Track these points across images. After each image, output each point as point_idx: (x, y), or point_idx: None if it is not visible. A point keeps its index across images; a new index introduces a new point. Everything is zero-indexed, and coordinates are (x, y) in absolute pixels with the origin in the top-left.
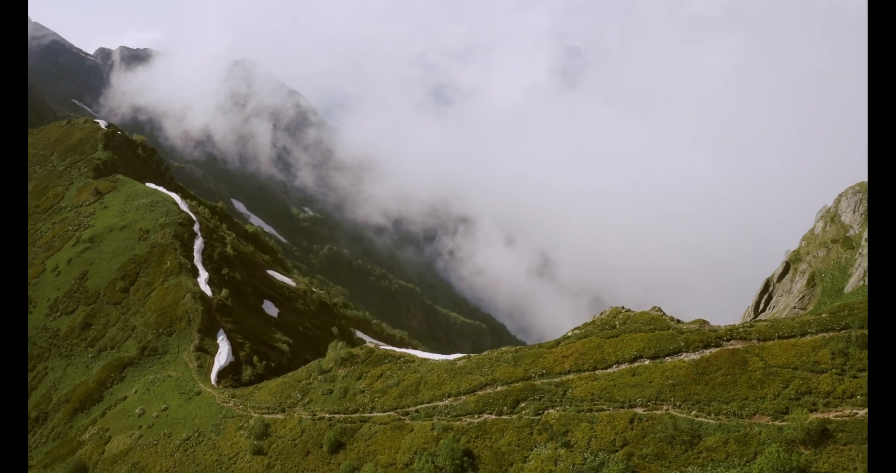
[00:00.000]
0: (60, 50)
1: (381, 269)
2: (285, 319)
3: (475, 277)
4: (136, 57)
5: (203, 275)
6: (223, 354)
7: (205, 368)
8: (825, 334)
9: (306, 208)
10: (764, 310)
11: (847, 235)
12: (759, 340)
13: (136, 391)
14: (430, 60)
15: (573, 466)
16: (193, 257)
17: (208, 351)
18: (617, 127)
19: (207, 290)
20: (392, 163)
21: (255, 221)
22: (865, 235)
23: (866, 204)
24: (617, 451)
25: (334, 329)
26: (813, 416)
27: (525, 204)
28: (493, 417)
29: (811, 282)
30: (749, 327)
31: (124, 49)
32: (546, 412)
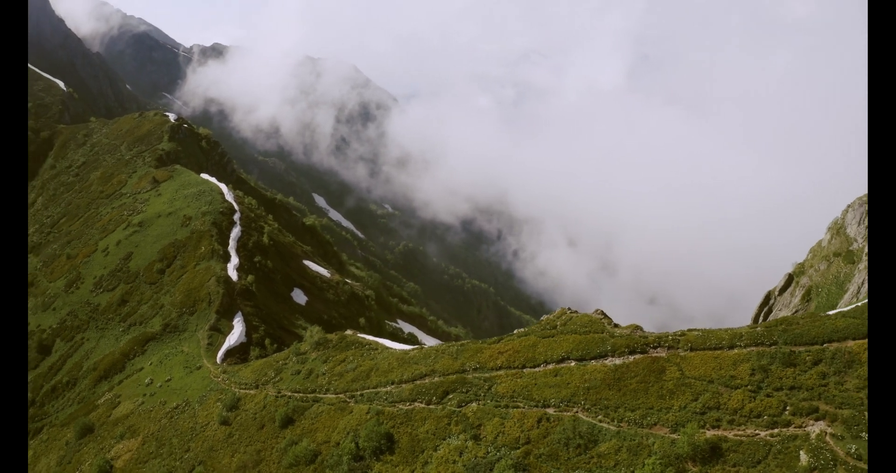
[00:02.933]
0: (155, 45)
1: (454, 268)
2: (312, 307)
3: (538, 278)
4: (214, 50)
5: (234, 261)
6: (235, 334)
7: (214, 346)
8: (754, 348)
9: (386, 205)
10: None
11: (850, 248)
12: (685, 349)
13: (151, 364)
14: (500, 60)
15: (475, 458)
16: (228, 243)
17: (222, 331)
18: (681, 130)
19: (234, 275)
20: (456, 161)
21: (334, 216)
22: (866, 249)
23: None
24: (518, 448)
25: (362, 320)
26: (711, 433)
27: (586, 206)
28: (422, 405)
29: (806, 296)
30: (680, 335)
31: (217, 45)
32: (468, 405)
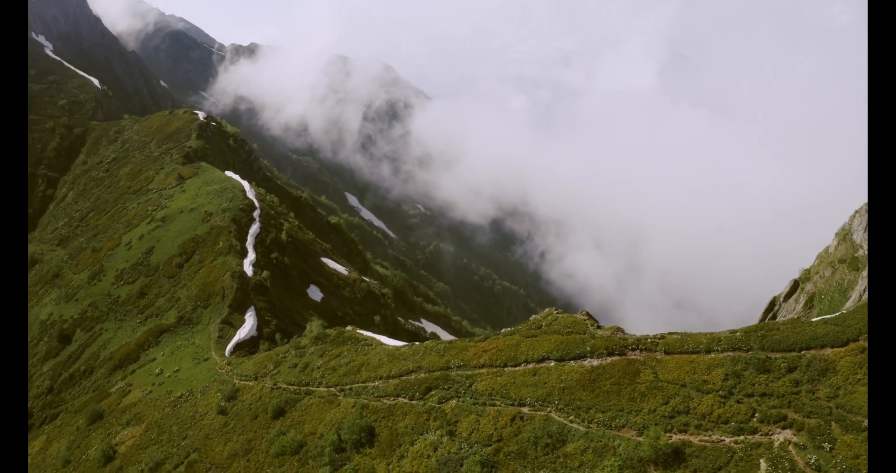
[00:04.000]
0: (192, 43)
1: (485, 269)
2: (327, 304)
3: (565, 280)
4: (248, 49)
5: (250, 257)
6: (245, 328)
7: (224, 339)
8: (730, 353)
9: (419, 206)
10: None
11: (855, 255)
12: (663, 352)
13: (163, 355)
14: (534, 62)
15: (448, 453)
16: (246, 240)
17: (233, 325)
18: (707, 132)
19: (249, 270)
20: (484, 162)
21: (366, 215)
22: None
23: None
24: (490, 445)
25: (377, 318)
26: (677, 437)
27: (612, 207)
28: (405, 401)
29: (809, 303)
30: (659, 338)
31: (253, 44)
32: (448, 401)
